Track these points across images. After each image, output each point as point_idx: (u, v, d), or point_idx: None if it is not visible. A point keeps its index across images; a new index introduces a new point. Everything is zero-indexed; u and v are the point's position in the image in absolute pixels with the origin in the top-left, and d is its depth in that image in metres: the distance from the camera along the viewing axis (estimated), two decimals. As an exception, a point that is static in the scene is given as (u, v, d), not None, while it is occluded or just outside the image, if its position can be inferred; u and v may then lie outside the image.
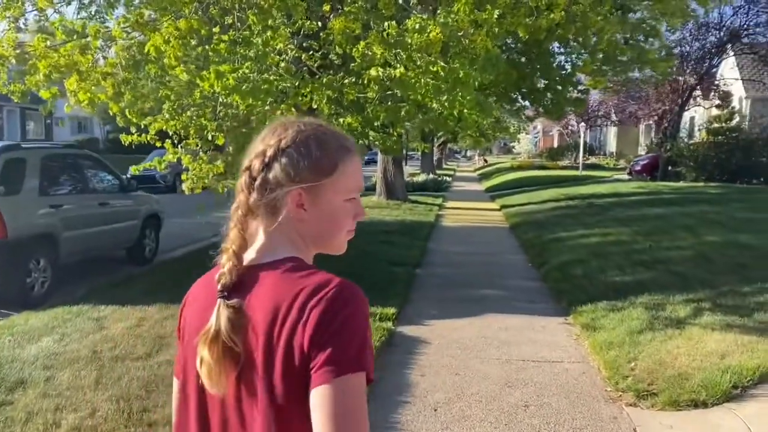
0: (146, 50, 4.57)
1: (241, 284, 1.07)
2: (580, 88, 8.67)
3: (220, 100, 5.71)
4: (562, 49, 7.77)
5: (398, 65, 5.05)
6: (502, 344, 5.49)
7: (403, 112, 5.40)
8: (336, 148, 1.14)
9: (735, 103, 25.62)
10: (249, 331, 1.03)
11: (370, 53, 4.73)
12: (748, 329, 5.03)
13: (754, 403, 4.03)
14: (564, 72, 7.98)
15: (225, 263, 1.08)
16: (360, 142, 6.52)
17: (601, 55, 6.52)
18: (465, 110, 4.98)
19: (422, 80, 4.92)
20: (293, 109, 5.36)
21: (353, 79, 5.64)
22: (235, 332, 1.03)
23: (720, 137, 21.51)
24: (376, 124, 6.14)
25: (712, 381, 4.16)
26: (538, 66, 7.79)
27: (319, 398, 0.95)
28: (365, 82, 5.39)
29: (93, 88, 5.45)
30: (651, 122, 39.74)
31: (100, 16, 5.16)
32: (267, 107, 5.14)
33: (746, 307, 5.57)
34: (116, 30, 5.00)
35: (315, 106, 5.82)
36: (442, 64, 4.86)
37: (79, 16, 5.81)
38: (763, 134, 20.78)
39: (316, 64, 5.50)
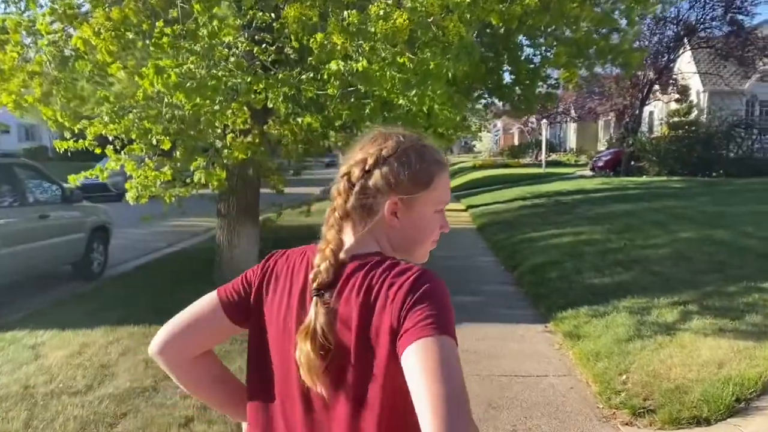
0: (73, 44, 4.02)
1: (332, 280, 1.12)
2: (550, 82, 8.36)
3: (166, 100, 5.16)
4: (530, 42, 7.43)
5: (361, 58, 4.60)
6: (482, 357, 5.09)
7: (367, 110, 4.95)
8: (432, 161, 1.22)
9: (693, 97, 25.93)
10: (340, 325, 1.09)
11: (329, 44, 4.27)
12: (742, 333, 4.72)
13: (760, 417, 3.70)
14: (533, 66, 7.64)
15: (320, 262, 1.13)
16: (321, 143, 6.04)
17: (573, 47, 6.19)
18: (436, 106, 4.56)
19: (388, 74, 4.47)
20: (245, 109, 4.87)
21: (312, 75, 5.17)
22: (330, 330, 1.08)
23: (680, 131, 21.69)
24: (337, 123, 5.67)
25: (713, 394, 3.82)
26: (506, 59, 7.44)
27: (420, 351, 0.99)
28: (325, 77, 4.92)
29: (19, 89, 4.85)
30: (610, 118, 40.20)
31: (22, 7, 4.57)
32: (216, 106, 4.63)
33: (735, 308, 5.28)
34: (42, 23, 4.42)
35: (271, 105, 5.33)
36: (410, 55, 4.43)
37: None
38: (722, 127, 20.95)
39: (270, 59, 5.00)
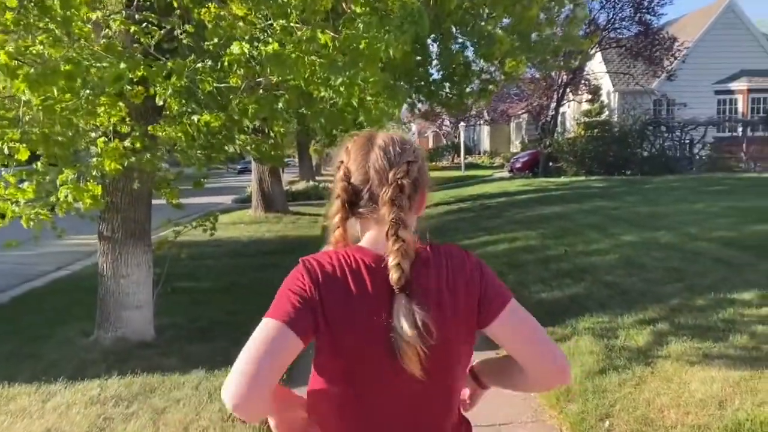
0: None
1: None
2: (485, 77, 7.64)
3: (24, 98, 3.96)
4: (462, 31, 6.66)
5: (270, 39, 3.61)
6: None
7: (280, 104, 3.97)
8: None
9: (603, 97, 26.35)
10: (433, 311, 1.22)
11: (228, 17, 3.27)
12: (732, 360, 4.06)
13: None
14: (466, 58, 6.89)
15: (402, 261, 1.22)
16: (225, 148, 4.98)
17: (515, 35, 5.48)
18: (369, 97, 3.66)
19: (306, 57, 3.51)
20: (121, 105, 3.76)
21: (210, 63, 4.12)
22: (427, 319, 1.21)
23: (595, 131, 21.82)
24: (246, 123, 4.63)
25: (725, 447, 3.09)
26: (438, 52, 6.64)
27: (513, 313, 1.31)
28: (225, 65, 3.89)
29: None
30: (521, 120, 40.74)
31: None
32: (81, 100, 3.50)
33: (714, 327, 4.65)
34: None
35: (160, 102, 4.23)
36: (332, 34, 3.48)
37: None
38: (636, 126, 21.21)
39: (154, 41, 3.91)
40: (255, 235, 12.71)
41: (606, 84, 25.98)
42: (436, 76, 7.83)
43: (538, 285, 6.48)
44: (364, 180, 1.31)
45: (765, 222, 8.05)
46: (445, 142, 50.89)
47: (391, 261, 1.22)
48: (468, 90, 7.41)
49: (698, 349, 4.26)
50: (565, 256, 7.57)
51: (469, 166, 31.66)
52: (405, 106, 10.61)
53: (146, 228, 5.41)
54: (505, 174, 26.16)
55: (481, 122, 45.69)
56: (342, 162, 1.36)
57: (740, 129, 24.48)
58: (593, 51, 23.12)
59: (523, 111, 29.83)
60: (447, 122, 47.18)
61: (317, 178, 33.43)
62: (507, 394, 4.70)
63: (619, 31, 22.33)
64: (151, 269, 5.52)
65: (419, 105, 9.76)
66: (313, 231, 13.23)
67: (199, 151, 5.02)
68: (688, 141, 21.56)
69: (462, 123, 34.25)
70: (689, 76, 23.54)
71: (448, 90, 7.62)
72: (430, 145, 57.71)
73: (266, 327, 1.20)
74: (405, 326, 1.18)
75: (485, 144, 48.45)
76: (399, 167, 1.29)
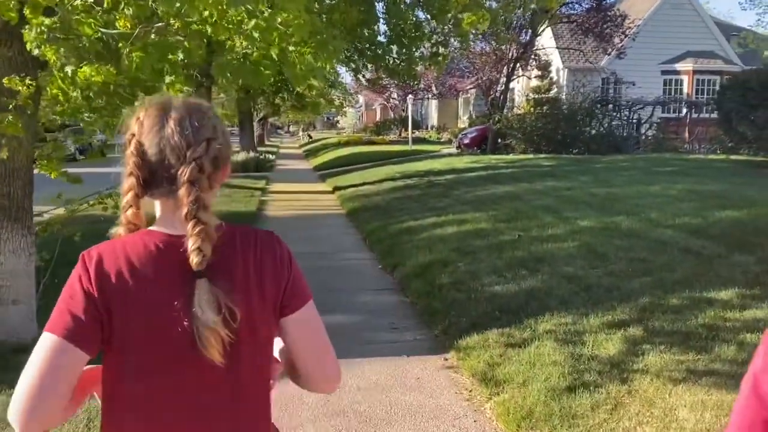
0: None
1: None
2: (437, 39, 6.84)
3: None
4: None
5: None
6: (362, 423, 3.49)
7: (180, 55, 3.10)
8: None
9: (553, 74, 25.99)
10: (235, 296, 1.17)
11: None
12: (722, 378, 3.46)
13: None
14: (416, 18, 6.09)
15: (202, 244, 1.15)
16: (122, 110, 4.04)
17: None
18: (292, 47, 2.84)
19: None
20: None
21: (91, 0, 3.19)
22: (229, 303, 1.16)
23: (545, 108, 21.39)
24: (145, 81, 3.70)
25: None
26: (385, 7, 5.80)
27: (308, 313, 1.32)
28: (109, 1, 2.98)
29: None
30: (469, 95, 40.22)
31: None
32: None
33: (694, 334, 4.06)
34: None
35: (34, 51, 3.29)
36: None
37: None
38: (585, 104, 20.88)
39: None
40: (185, 210, 11.68)
41: (555, 60, 25.60)
42: (382, 39, 6.97)
43: (491, 276, 5.82)
44: (160, 157, 1.19)
45: (728, 208, 7.62)
46: (392, 115, 50.05)
47: (191, 245, 1.15)
48: (417, 55, 6.59)
49: (680, 363, 3.66)
50: (519, 242, 6.94)
51: (417, 140, 30.96)
52: (349, 72, 9.73)
53: (25, 206, 4.44)
54: (453, 150, 25.58)
55: (430, 96, 44.98)
56: (133, 135, 1.22)
57: (685, 110, 24.59)
58: (543, 26, 22.63)
59: (472, 86, 29.26)
60: (395, 95, 46.34)
61: (259, 149, 32.17)
62: (453, 408, 4.03)
63: (570, 5, 21.86)
64: (33, 256, 4.57)
65: (363, 71, 8.89)
66: (249, 206, 12.29)
67: (87, 114, 4.07)
68: (635, 120, 21.40)
69: (410, 96, 33.41)
70: (637, 55, 23.35)
71: (395, 55, 6.78)
72: (378, 117, 56.77)
73: (46, 343, 1.13)
74: (208, 313, 1.13)
75: (433, 119, 47.83)
76: (198, 145, 1.19)
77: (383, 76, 8.02)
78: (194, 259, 1.14)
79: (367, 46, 7.12)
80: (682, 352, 3.78)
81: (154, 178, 1.19)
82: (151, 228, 1.23)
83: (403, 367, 4.31)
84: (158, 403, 1.19)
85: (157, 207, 1.25)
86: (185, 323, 1.14)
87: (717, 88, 25.02)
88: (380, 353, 4.56)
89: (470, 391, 3.90)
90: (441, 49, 6.83)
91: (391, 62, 6.98)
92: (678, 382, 3.45)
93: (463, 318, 4.89)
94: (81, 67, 3.39)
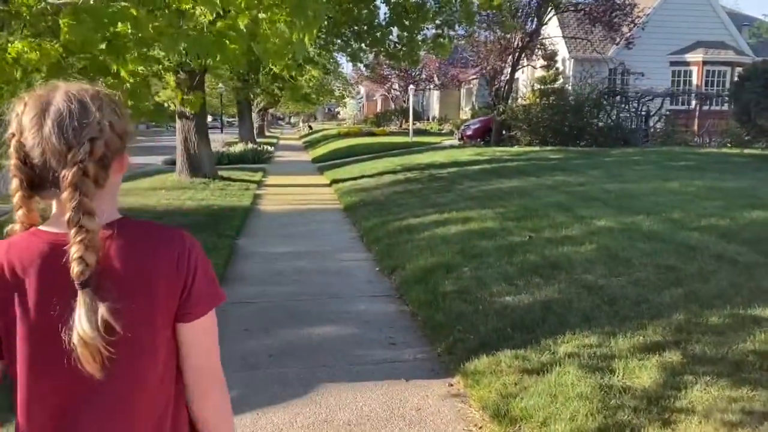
0: None
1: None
2: (442, 20, 6.21)
3: None
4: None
5: None
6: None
7: (119, 26, 2.49)
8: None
9: (559, 64, 25.29)
10: (121, 297, 1.10)
11: None
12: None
13: None
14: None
15: (83, 253, 1.08)
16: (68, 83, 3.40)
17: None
18: (262, 14, 2.25)
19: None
20: None
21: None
22: (112, 314, 1.09)
23: (551, 99, 20.72)
24: (82, 54, 3.08)
25: None
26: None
27: (210, 322, 1.28)
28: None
29: None
30: (472, 86, 39.48)
31: None
32: None
33: (745, 362, 3.45)
34: None
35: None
36: None
37: None
38: (593, 95, 20.19)
39: None
40: (174, 203, 11.08)
41: (561, 50, 24.90)
42: (382, 21, 6.33)
43: (500, 284, 5.22)
44: (42, 160, 1.10)
45: (758, 208, 7.01)
46: (393, 106, 49.35)
47: (73, 253, 1.08)
48: (420, 38, 5.96)
49: (733, 401, 3.05)
50: (530, 244, 6.34)
51: (418, 132, 30.29)
52: (346, 58, 9.08)
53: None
54: (455, 142, 24.94)
55: (431, 87, 44.30)
56: (13, 135, 1.12)
57: (694, 102, 23.92)
58: (549, 15, 21.92)
59: (475, 76, 28.55)
60: (396, 86, 45.64)
61: (258, 140, 31.53)
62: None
63: (577, -7, 21.13)
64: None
65: (362, 56, 8.24)
66: (242, 200, 11.69)
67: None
68: (644, 112, 20.72)
69: (411, 87, 32.72)
70: (645, 46, 22.66)
71: (396, 38, 6.15)
72: (379, 108, 56.03)
73: None
74: (85, 326, 1.06)
75: (434, 110, 47.13)
76: (79, 147, 1.09)
77: (384, 61, 7.34)
78: (75, 269, 1.07)
79: (365, 28, 6.50)
80: (733, 386, 3.18)
81: (39, 180, 1.13)
82: (41, 227, 1.17)
83: (402, 394, 3.72)
84: (40, 409, 1.15)
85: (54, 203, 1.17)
86: (63, 333, 1.09)
87: (727, 79, 24.39)
88: (375, 376, 3.97)
89: (480, 428, 3.31)
90: (446, 31, 6.19)
91: (391, 46, 6.35)
92: (732, 425, 2.86)
93: (471, 335, 4.29)
94: (14, 42, 2.79)
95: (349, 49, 7.00)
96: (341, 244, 8.11)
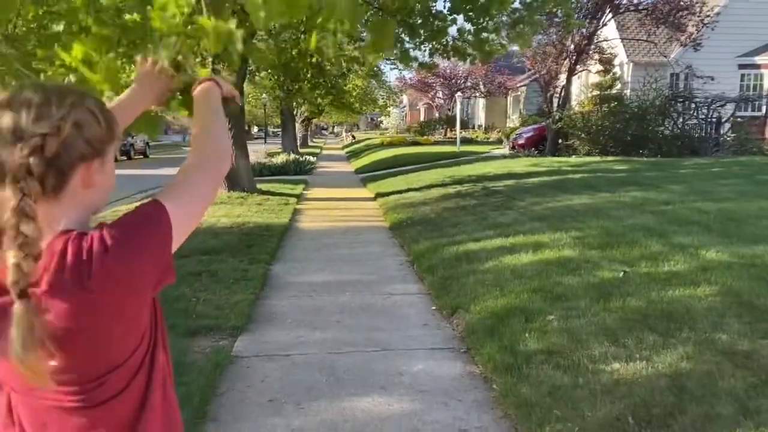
0: None
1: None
2: (519, 5, 5.03)
3: None
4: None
5: None
6: None
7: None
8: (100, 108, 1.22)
9: (616, 68, 23.76)
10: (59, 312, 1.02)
11: None
12: None
13: None
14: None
15: (22, 261, 0.99)
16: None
17: None
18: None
19: None
20: None
21: None
22: (49, 332, 1.00)
23: (612, 105, 19.23)
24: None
25: None
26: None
27: None
28: None
29: None
30: (519, 93, 38.02)
31: None
32: None
33: None
34: None
35: None
36: None
37: None
38: (657, 101, 18.63)
39: None
40: (207, 221, 10.13)
41: (619, 54, 23.36)
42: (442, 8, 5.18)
43: (601, 341, 3.99)
44: None
45: None
46: (437, 114, 48.20)
47: (10, 259, 0.99)
48: (491, 26, 4.80)
49: None
50: (626, 282, 5.10)
51: (463, 141, 29.04)
52: (395, 61, 7.91)
53: None
54: (506, 151, 23.64)
55: (477, 95, 43.04)
56: None
57: (765, 108, 22.05)
58: (608, 16, 20.44)
59: (528, 81, 27.14)
60: (440, 94, 44.51)
61: (302, 150, 30.78)
62: None
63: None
64: None
65: (417, 54, 7.10)
66: (281, 217, 10.69)
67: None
68: (714, 119, 19.03)
69: (459, 93, 31.57)
70: (710, 48, 20.91)
71: (456, 33, 4.99)
72: (422, 117, 54.92)
73: None
74: (20, 343, 0.97)
75: (480, 118, 45.82)
76: (27, 141, 1.01)
77: (446, 58, 6.26)
78: (10, 278, 0.98)
79: (420, 21, 5.38)
80: None
81: None
82: None
83: None
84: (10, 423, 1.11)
85: None
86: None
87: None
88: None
89: None
90: (525, 15, 5.00)
91: (451, 41, 5.23)
92: None
93: (575, 424, 3.10)
94: None
95: (399, 48, 5.90)
96: (389, 272, 6.99)
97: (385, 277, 6.74)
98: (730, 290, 4.59)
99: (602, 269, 5.53)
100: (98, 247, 1.02)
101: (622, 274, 5.30)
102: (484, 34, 4.94)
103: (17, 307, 0.97)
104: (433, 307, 5.60)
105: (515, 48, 21.03)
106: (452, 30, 5.41)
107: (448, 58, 6.53)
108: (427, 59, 7.34)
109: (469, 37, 5.06)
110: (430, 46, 6.07)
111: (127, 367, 1.09)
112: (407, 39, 5.65)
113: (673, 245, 6.05)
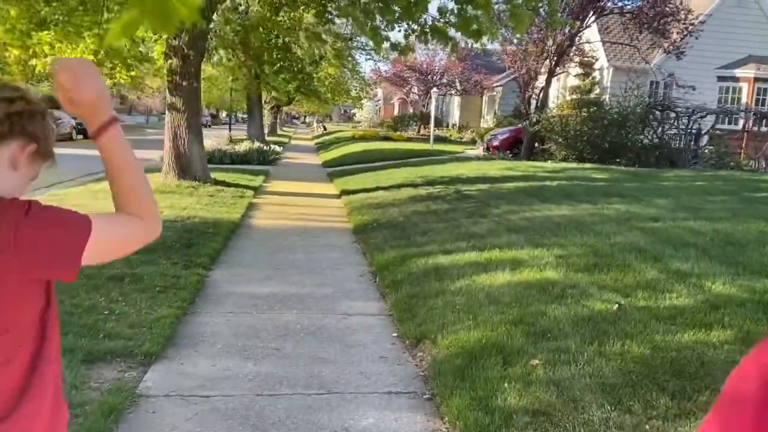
0: None
1: None
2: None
3: None
4: None
5: None
6: None
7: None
8: None
9: (596, 73, 23.23)
10: None
11: None
12: None
13: None
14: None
15: None
16: None
17: None
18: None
19: None
20: None
21: None
22: None
23: (591, 110, 18.60)
24: None
25: None
26: None
27: None
28: None
29: None
30: (495, 93, 37.36)
31: None
32: None
33: None
34: None
35: None
36: None
37: None
38: (637, 108, 18.05)
39: None
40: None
41: (600, 58, 22.80)
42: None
43: (600, 402, 3.17)
44: None
45: None
46: (412, 110, 47.33)
47: None
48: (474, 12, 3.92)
49: None
50: (622, 317, 4.30)
51: (437, 139, 28.25)
52: (365, 46, 7.02)
53: None
54: (479, 152, 22.92)
55: (453, 92, 42.29)
56: None
57: (742, 122, 21.73)
58: (591, 19, 19.81)
59: (507, 80, 26.47)
60: (415, 89, 43.65)
61: (268, 138, 29.58)
62: None
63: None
64: None
65: (387, 34, 6.17)
66: (232, 212, 9.72)
67: None
68: (694, 130, 18.54)
69: (434, 90, 30.77)
70: (690, 58, 20.44)
71: (441, 6, 4.12)
72: (396, 112, 53.97)
73: None
74: None
75: (455, 116, 45.13)
76: None
77: (424, 42, 5.45)
78: None
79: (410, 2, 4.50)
80: None
81: None
82: None
83: None
84: None
85: None
86: None
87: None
88: None
89: None
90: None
91: (430, 21, 4.37)
92: None
93: None
94: None
95: (369, 27, 5.00)
96: (347, 285, 6.12)
97: (342, 292, 5.86)
98: (748, 336, 3.82)
99: (592, 298, 4.73)
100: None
101: (616, 306, 4.50)
102: (470, 10, 4.11)
103: None
104: (395, 334, 4.75)
105: (496, 45, 20.37)
106: (432, 9, 4.56)
107: (426, 42, 5.71)
108: (402, 41, 6.45)
109: (451, 18, 4.20)
110: (406, 25, 5.19)
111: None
112: (379, 17, 4.75)
113: (670, 272, 5.28)
